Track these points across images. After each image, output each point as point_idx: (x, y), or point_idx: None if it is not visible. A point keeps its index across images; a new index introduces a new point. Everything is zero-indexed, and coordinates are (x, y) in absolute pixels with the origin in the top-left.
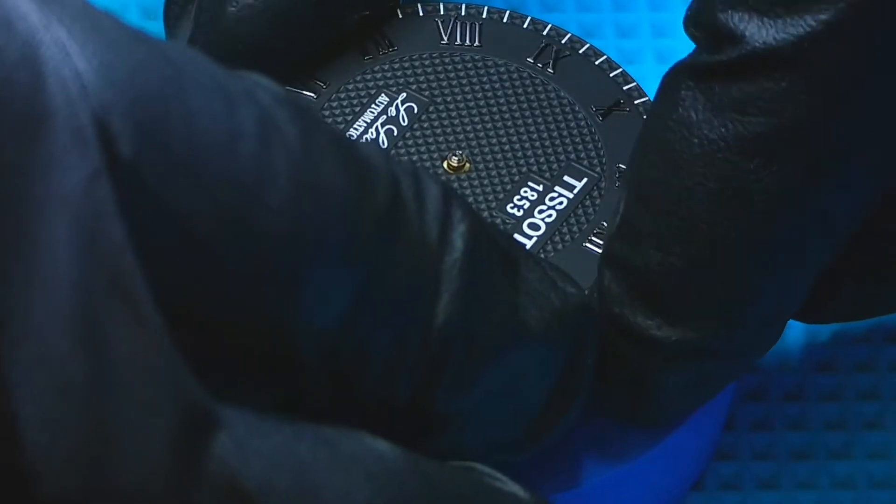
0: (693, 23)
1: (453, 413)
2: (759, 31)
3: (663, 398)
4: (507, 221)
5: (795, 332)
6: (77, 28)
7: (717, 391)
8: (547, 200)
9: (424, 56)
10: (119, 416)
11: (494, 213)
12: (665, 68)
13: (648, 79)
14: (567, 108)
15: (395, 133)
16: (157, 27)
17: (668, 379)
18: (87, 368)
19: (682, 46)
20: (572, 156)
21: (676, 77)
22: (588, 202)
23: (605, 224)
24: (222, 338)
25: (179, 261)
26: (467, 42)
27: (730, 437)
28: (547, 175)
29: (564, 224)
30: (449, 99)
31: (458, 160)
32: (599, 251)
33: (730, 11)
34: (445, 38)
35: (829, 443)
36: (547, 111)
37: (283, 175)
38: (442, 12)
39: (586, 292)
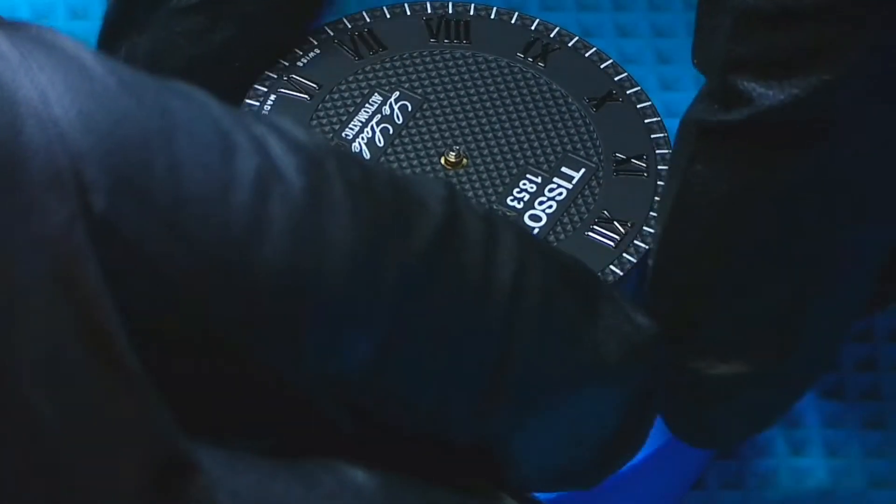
0: (700, 66)
1: (519, 447)
2: (766, 93)
3: (719, 426)
4: (509, 214)
5: None
6: (59, 75)
7: (773, 420)
8: (546, 192)
9: (415, 55)
10: (89, 464)
11: (495, 206)
12: (665, 68)
13: (649, 79)
14: (560, 101)
15: (391, 132)
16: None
17: (721, 410)
18: (57, 416)
19: (683, 47)
20: (568, 147)
21: (690, 130)
22: (587, 192)
23: (605, 213)
24: (213, 381)
25: (160, 309)
26: (456, 39)
27: None
28: (545, 167)
29: (565, 214)
30: (442, 96)
31: (456, 156)
32: (602, 240)
33: (737, 73)
34: (434, 37)
35: (829, 442)
36: (540, 104)
37: (278, 227)
38: (429, 11)
39: None
